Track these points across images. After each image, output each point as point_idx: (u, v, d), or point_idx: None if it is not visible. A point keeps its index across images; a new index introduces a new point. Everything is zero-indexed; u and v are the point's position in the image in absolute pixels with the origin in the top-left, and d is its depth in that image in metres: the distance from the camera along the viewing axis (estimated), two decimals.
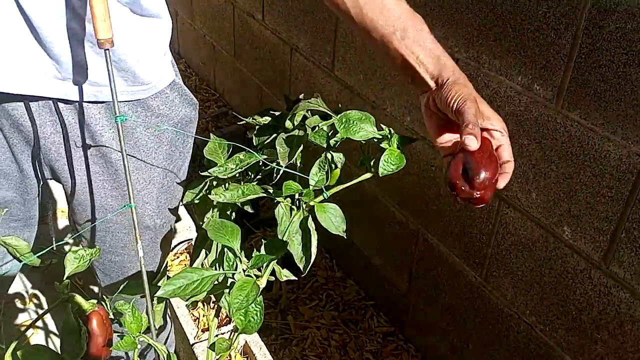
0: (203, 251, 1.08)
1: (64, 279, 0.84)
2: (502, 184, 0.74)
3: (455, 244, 1.53)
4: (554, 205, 1.22)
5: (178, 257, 2.10)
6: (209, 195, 1.04)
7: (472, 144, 0.70)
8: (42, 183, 0.98)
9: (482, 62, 1.28)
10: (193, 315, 1.86)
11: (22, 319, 1.89)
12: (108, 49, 0.76)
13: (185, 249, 2.12)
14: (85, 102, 0.88)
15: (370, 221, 1.85)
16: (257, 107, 2.55)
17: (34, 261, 0.88)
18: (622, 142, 1.05)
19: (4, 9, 0.78)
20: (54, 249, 0.99)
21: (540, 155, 1.22)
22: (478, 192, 0.71)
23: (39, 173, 0.95)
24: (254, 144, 1.16)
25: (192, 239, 2.05)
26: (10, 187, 0.95)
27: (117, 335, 0.88)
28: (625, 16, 0.99)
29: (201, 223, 1.26)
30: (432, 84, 0.78)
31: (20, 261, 0.88)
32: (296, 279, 1.00)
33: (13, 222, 1.00)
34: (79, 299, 0.84)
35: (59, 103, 0.87)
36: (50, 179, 0.99)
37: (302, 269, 0.97)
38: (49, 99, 0.87)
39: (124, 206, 0.91)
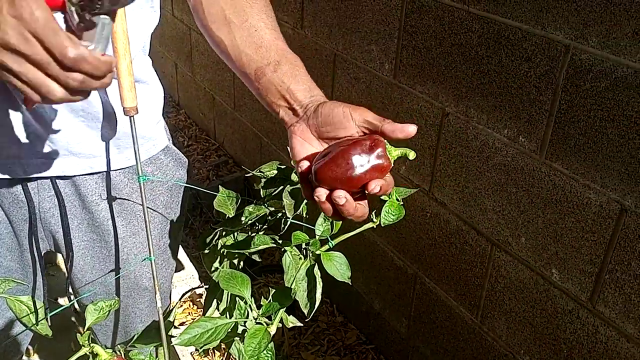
0: (214, 300, 1.15)
1: (84, 330, 0.90)
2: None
3: (451, 287, 1.59)
4: (542, 249, 1.30)
5: (182, 306, 2.16)
6: (223, 246, 1.11)
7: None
8: (40, 257, 1.00)
9: (471, 116, 1.38)
10: None
11: None
12: (132, 116, 0.84)
13: (189, 296, 2.18)
14: (81, 175, 0.92)
15: (370, 266, 1.92)
16: (257, 157, 2.63)
17: (46, 331, 0.93)
18: (601, 190, 1.14)
19: None
20: (47, 303, 1.03)
21: (528, 202, 1.30)
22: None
23: (34, 248, 0.98)
24: (261, 195, 1.24)
25: (196, 287, 2.10)
26: (13, 258, 0.98)
27: None
28: (600, 76, 1.09)
29: (210, 272, 1.33)
30: (301, 111, 0.78)
31: (30, 329, 0.92)
32: (301, 324, 1.06)
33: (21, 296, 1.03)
34: (98, 349, 0.90)
35: (56, 179, 0.92)
36: (50, 250, 1.02)
37: (306, 314, 1.03)
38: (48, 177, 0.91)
39: (145, 259, 0.98)
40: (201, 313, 2.09)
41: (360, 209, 0.68)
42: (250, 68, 0.83)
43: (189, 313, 2.12)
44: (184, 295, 1.96)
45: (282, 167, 1.27)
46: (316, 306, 0.99)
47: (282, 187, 1.23)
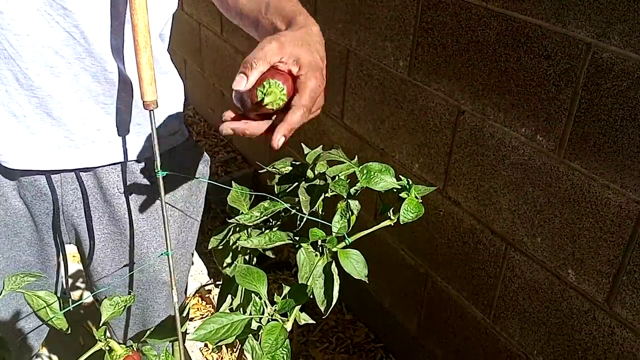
0: (229, 296, 1.14)
1: (100, 325, 0.89)
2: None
3: (464, 287, 1.58)
4: (558, 249, 1.28)
5: (190, 301, 2.15)
6: (238, 242, 1.10)
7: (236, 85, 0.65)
8: (61, 251, 1.00)
9: (488, 114, 1.37)
10: (206, 359, 1.90)
11: None
12: (152, 110, 0.83)
13: (198, 292, 2.17)
14: (102, 166, 0.92)
15: (381, 265, 1.91)
16: (266, 153, 2.63)
17: (63, 324, 0.92)
18: (620, 190, 1.12)
19: (16, 90, 0.81)
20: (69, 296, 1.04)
21: (544, 201, 1.29)
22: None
23: (57, 241, 0.98)
24: (275, 192, 1.23)
25: (205, 284, 2.10)
26: (32, 253, 0.98)
27: None
28: (621, 75, 1.07)
29: (221, 268, 1.32)
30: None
31: (48, 324, 0.91)
32: (313, 322, 1.06)
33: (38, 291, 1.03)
34: (113, 344, 0.89)
35: (79, 172, 0.92)
36: (69, 244, 1.01)
37: (322, 310, 1.02)
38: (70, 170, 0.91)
39: (162, 254, 0.97)
40: (210, 309, 2.09)
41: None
42: (249, 19, 0.81)
43: (197, 309, 2.12)
44: (196, 291, 1.95)
45: (297, 163, 1.26)
46: (333, 303, 0.98)
47: (297, 183, 1.22)
